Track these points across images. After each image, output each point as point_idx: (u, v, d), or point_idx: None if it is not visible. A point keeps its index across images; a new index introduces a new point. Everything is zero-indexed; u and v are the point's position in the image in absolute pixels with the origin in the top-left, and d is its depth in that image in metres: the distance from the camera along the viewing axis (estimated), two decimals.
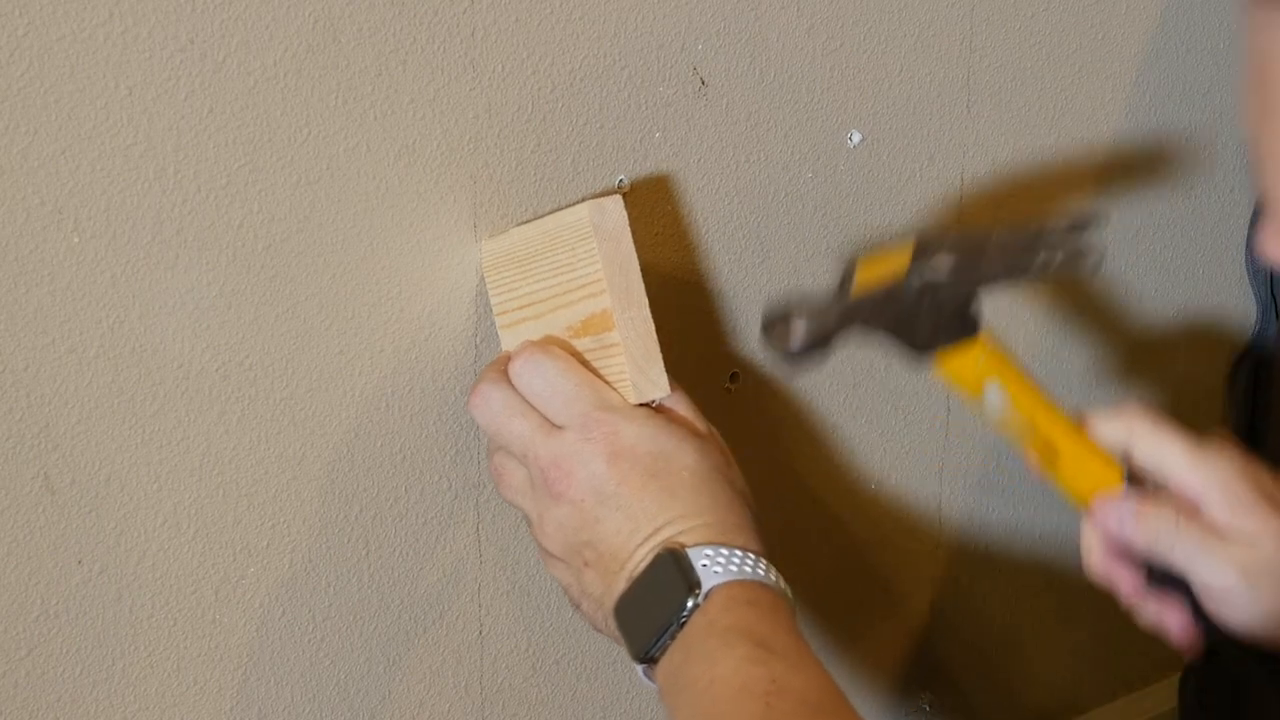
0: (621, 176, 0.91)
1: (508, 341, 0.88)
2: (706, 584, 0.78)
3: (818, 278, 1.02)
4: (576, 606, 0.85)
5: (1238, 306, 1.24)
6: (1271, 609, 0.87)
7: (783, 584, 0.81)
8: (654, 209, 0.93)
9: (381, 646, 0.93)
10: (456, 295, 0.89)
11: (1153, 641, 1.33)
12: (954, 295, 0.86)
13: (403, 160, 0.84)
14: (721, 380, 1.00)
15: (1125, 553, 0.89)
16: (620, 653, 0.82)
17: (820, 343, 0.85)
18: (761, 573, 0.80)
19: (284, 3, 0.78)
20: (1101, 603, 1.27)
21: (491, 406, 0.84)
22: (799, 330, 0.85)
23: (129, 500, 0.82)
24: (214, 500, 0.85)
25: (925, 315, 0.86)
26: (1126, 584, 0.91)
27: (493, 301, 0.88)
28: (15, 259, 0.75)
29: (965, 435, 1.13)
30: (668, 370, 0.85)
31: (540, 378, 0.83)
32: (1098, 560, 0.91)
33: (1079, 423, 0.90)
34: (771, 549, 0.82)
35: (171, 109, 0.77)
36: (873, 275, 0.87)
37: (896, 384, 1.08)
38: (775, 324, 0.86)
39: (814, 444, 1.06)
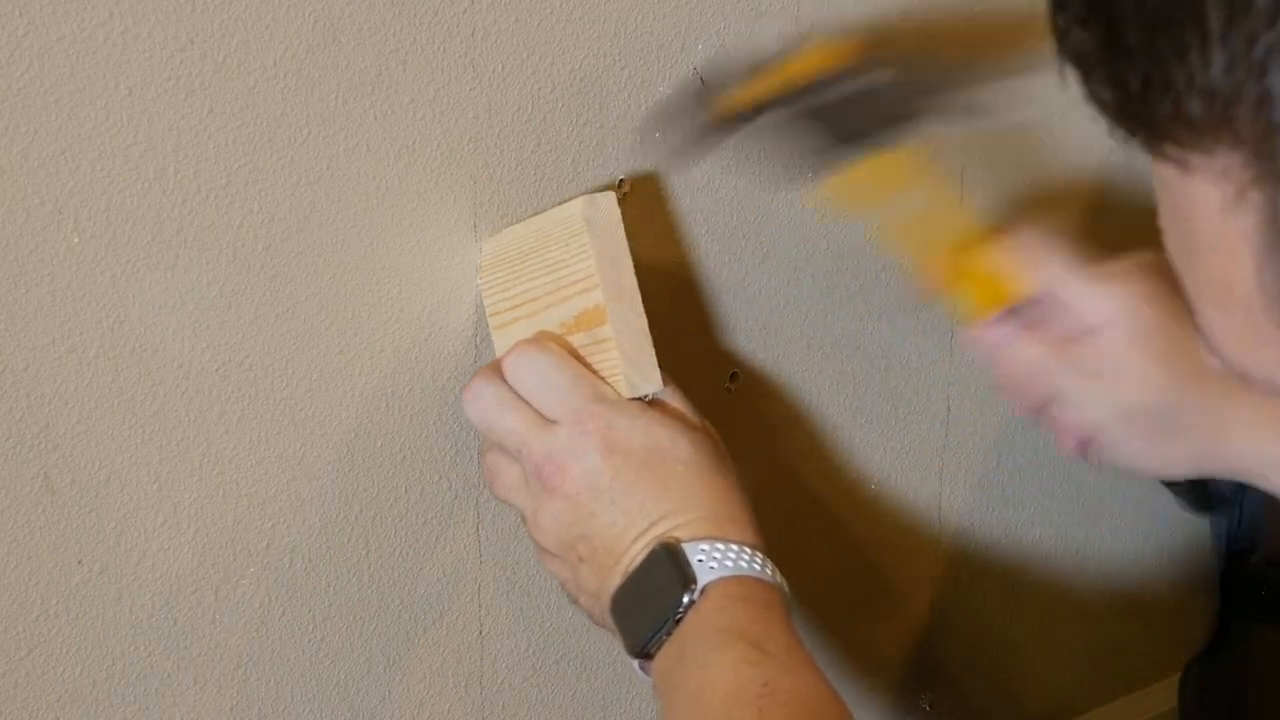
0: (621, 176, 0.91)
1: (500, 342, 0.88)
2: (702, 580, 0.78)
3: (818, 278, 1.02)
4: (574, 601, 0.86)
5: None
6: (1146, 447, 0.87)
7: (779, 578, 0.81)
8: (654, 209, 0.93)
9: (381, 646, 0.93)
10: (456, 295, 0.89)
11: (1153, 641, 1.33)
12: (892, 101, 0.83)
13: (403, 160, 0.84)
14: (721, 380, 1.00)
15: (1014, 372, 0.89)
16: (620, 652, 0.82)
17: (748, 117, 0.83)
18: (758, 567, 0.80)
19: (284, 3, 0.78)
20: (1100, 602, 1.27)
21: (484, 403, 0.84)
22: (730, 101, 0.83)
23: (129, 500, 0.82)
24: (214, 500, 0.85)
25: (859, 111, 0.83)
26: (1018, 405, 0.91)
27: (486, 303, 0.88)
28: (15, 259, 0.75)
29: (965, 435, 1.13)
30: (667, 368, 0.85)
31: (532, 373, 0.83)
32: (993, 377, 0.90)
33: (987, 239, 0.87)
34: (770, 547, 0.82)
35: (171, 109, 0.77)
36: (813, 62, 0.84)
37: (896, 384, 1.08)
38: (709, 90, 0.83)
39: (814, 444, 1.06)
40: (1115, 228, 1.15)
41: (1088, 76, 0.53)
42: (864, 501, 1.10)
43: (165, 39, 0.75)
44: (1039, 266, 0.87)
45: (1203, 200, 0.52)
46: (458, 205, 0.87)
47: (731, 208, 0.97)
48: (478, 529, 0.94)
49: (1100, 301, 0.86)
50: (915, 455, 1.11)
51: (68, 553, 0.81)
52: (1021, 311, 0.87)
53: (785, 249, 1.00)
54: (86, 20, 0.73)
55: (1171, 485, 0.93)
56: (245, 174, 0.80)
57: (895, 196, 0.85)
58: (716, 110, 0.83)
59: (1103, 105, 0.53)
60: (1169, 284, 0.86)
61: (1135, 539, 1.27)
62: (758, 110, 0.83)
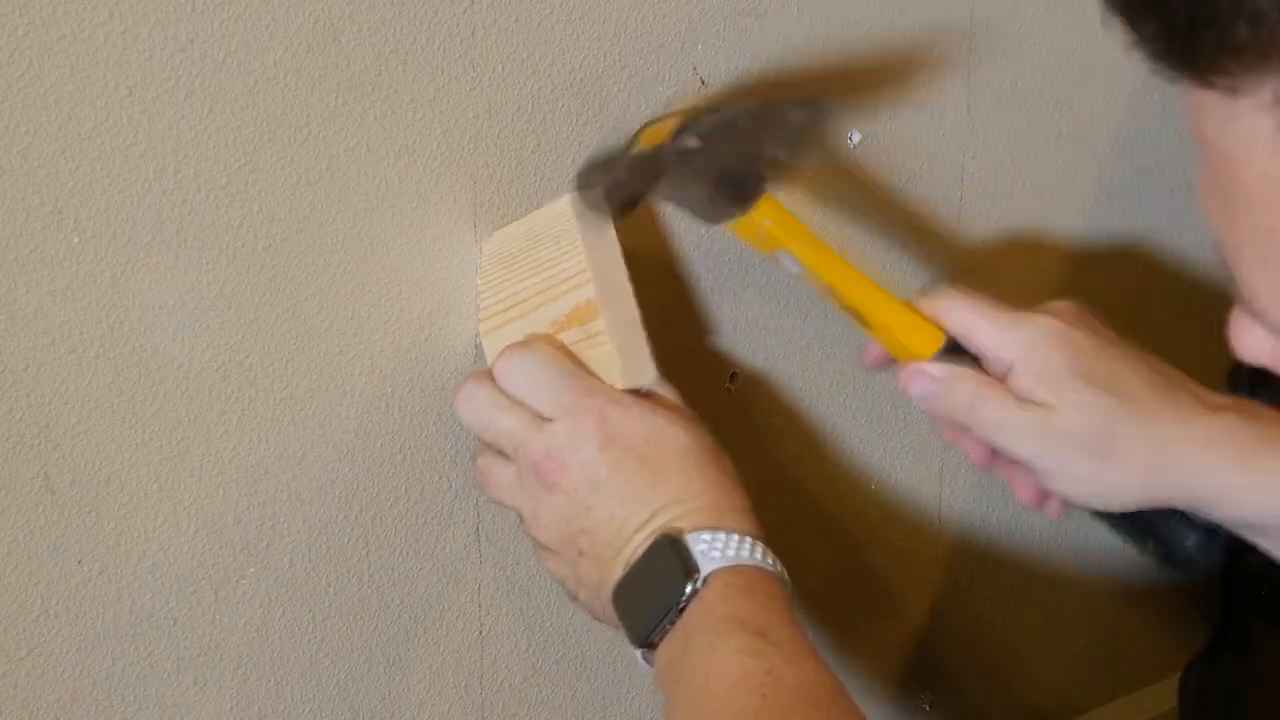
0: None
1: (492, 345, 0.87)
2: (705, 569, 0.79)
3: None
4: (573, 598, 0.86)
5: None
6: (1090, 474, 0.87)
7: (780, 568, 0.81)
8: (654, 209, 0.93)
9: (381, 646, 0.93)
10: (456, 295, 0.89)
11: (1153, 641, 1.33)
12: (712, 166, 0.84)
13: (403, 160, 0.84)
14: (721, 380, 1.00)
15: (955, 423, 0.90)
16: (620, 652, 0.82)
17: (630, 201, 0.85)
18: (759, 557, 0.80)
19: (284, 3, 0.78)
20: (1101, 603, 1.27)
21: (477, 404, 0.84)
22: (603, 187, 0.85)
23: (129, 500, 0.82)
24: (214, 500, 0.85)
25: (693, 183, 0.84)
26: (971, 453, 0.91)
27: (480, 306, 0.88)
28: (15, 259, 0.75)
29: None
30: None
31: (523, 373, 0.84)
32: (941, 429, 0.92)
33: (899, 297, 0.89)
34: (770, 547, 0.82)
35: (171, 109, 0.77)
36: (651, 138, 0.86)
37: (897, 384, 1.08)
38: (590, 178, 0.85)
39: (814, 444, 1.06)
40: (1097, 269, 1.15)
41: (1133, 21, 0.54)
42: (864, 501, 1.10)
43: (165, 39, 0.75)
44: (950, 313, 0.89)
45: (1250, 139, 0.53)
46: (458, 205, 0.87)
47: None
48: (477, 529, 0.94)
49: (1008, 340, 0.88)
50: (915, 455, 1.11)
51: (68, 553, 0.81)
52: (948, 356, 0.89)
53: None
54: (86, 20, 0.73)
55: (1137, 543, 0.92)
56: (245, 174, 0.80)
57: (776, 254, 0.88)
58: (607, 199, 0.85)
59: (1150, 47, 0.54)
60: (1081, 323, 0.88)
61: None
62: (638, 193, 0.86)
